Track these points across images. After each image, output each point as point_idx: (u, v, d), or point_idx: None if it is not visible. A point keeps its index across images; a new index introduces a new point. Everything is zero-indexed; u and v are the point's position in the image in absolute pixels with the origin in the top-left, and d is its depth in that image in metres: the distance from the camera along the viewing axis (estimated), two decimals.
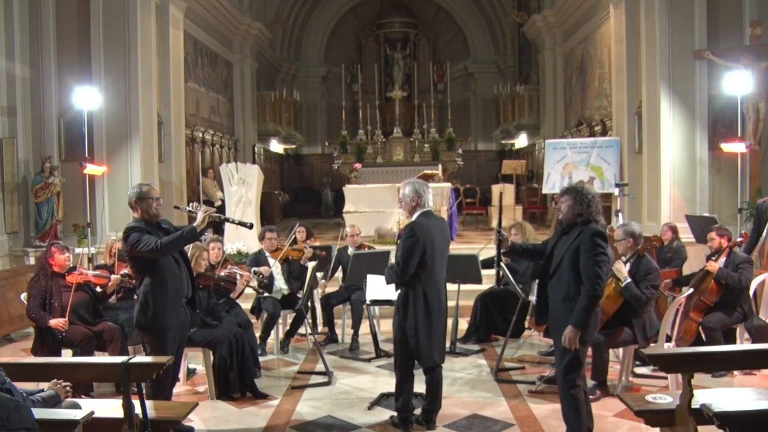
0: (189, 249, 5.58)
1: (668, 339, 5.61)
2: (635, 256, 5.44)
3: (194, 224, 4.48)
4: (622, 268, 5.31)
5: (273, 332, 6.97)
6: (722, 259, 5.92)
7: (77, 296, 5.72)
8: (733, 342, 6.00)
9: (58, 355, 5.50)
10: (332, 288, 7.76)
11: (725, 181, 9.25)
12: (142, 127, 9.52)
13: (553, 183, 11.26)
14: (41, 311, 5.59)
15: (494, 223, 4.99)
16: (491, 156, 21.95)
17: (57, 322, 5.54)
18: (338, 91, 20.41)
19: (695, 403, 3.43)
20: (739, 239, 6.16)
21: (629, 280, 5.25)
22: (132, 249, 4.42)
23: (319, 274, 7.49)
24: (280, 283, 7.10)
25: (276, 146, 19.84)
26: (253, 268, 6.67)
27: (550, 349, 6.37)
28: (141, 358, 4.40)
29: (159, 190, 9.95)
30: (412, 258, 4.56)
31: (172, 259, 4.56)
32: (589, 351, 5.39)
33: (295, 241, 7.61)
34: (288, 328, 7.16)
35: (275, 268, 7.08)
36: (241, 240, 9.73)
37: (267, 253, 7.15)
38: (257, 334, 6.64)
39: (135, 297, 6.28)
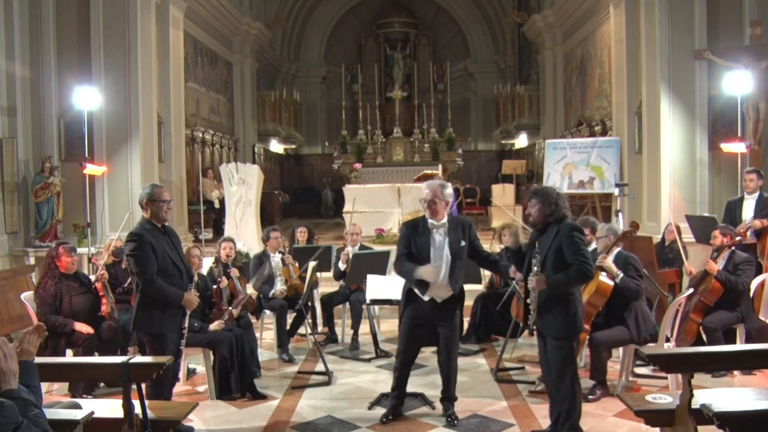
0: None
1: (668, 339, 5.61)
2: (610, 250, 5.44)
3: (188, 301, 4.61)
4: (612, 265, 5.31)
5: (273, 332, 6.97)
6: (722, 260, 5.91)
7: (85, 297, 5.73)
8: (733, 342, 5.99)
9: (63, 355, 5.50)
10: (332, 288, 7.76)
11: (725, 181, 9.23)
12: (142, 127, 9.51)
13: (553, 183, 11.25)
14: (59, 317, 5.55)
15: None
16: (491, 156, 21.97)
17: (82, 327, 5.59)
18: (338, 91, 20.42)
19: (695, 403, 3.43)
20: (737, 238, 6.15)
21: (621, 274, 5.26)
22: (131, 260, 4.50)
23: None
24: (280, 284, 7.10)
25: (276, 146, 19.85)
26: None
27: None
28: (141, 358, 4.40)
29: None
30: None
31: (170, 261, 4.57)
32: (588, 351, 5.43)
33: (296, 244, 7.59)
34: (288, 328, 7.15)
35: (276, 270, 7.08)
36: (241, 240, 9.73)
37: (270, 254, 7.13)
38: (257, 334, 6.64)
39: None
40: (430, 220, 4.83)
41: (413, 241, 4.84)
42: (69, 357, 5.49)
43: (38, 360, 3.77)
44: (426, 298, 4.80)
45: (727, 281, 5.74)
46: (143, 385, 3.92)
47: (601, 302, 5.26)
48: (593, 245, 6.10)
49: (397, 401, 4.98)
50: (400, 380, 4.98)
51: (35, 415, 2.64)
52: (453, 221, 4.87)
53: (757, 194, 7.14)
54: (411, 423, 4.86)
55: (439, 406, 5.12)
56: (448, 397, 4.97)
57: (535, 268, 4.37)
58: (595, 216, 10.18)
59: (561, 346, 4.27)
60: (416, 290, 4.81)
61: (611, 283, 5.29)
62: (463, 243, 4.80)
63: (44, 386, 3.57)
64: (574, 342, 4.34)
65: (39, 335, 3.14)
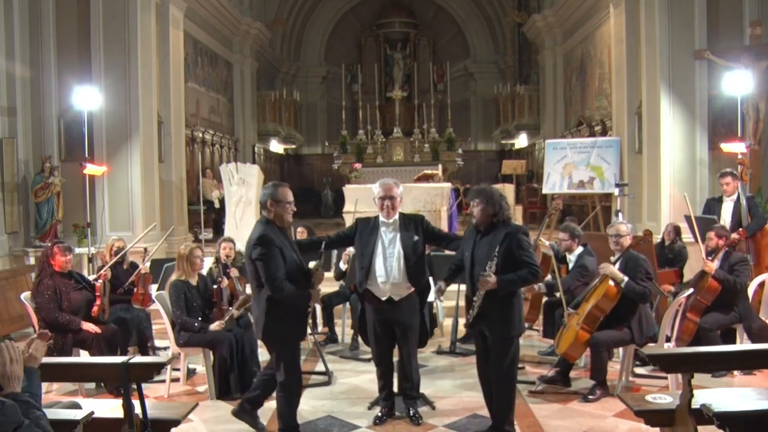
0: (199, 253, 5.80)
1: (668, 339, 5.61)
2: (623, 253, 5.42)
3: (316, 293, 4.47)
4: (615, 271, 5.27)
5: None
6: (717, 261, 5.90)
7: (82, 295, 5.73)
8: (733, 342, 5.98)
9: (70, 353, 5.49)
10: (332, 288, 7.76)
11: None
12: (142, 127, 9.53)
13: (553, 183, 11.27)
14: (64, 314, 5.53)
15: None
16: (491, 156, 21.96)
17: (89, 327, 5.57)
18: (338, 91, 20.42)
19: (695, 403, 3.43)
20: (735, 236, 6.14)
21: (626, 279, 5.23)
22: (259, 264, 4.26)
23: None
24: None
25: (276, 146, 19.85)
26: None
27: (550, 349, 6.37)
28: (141, 358, 4.41)
29: (161, 191, 10.01)
30: None
31: (296, 264, 4.39)
32: (588, 351, 5.42)
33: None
34: None
35: None
36: (240, 240, 9.72)
37: None
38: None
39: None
40: (381, 219, 4.82)
41: (360, 238, 4.86)
42: (76, 357, 5.48)
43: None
44: (383, 297, 4.78)
45: (725, 281, 5.73)
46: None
47: (609, 306, 5.23)
48: (577, 251, 6.05)
49: (387, 402, 4.96)
50: (385, 380, 4.97)
51: (37, 416, 2.64)
52: (404, 219, 4.86)
53: (735, 196, 7.11)
54: (411, 422, 4.86)
55: (439, 406, 5.13)
56: (411, 395, 4.95)
57: (477, 270, 4.37)
58: (596, 216, 10.20)
59: (506, 348, 4.34)
60: (371, 290, 4.79)
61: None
62: (416, 238, 4.78)
63: (44, 386, 3.57)
64: (517, 342, 4.43)
65: (44, 342, 3.14)
